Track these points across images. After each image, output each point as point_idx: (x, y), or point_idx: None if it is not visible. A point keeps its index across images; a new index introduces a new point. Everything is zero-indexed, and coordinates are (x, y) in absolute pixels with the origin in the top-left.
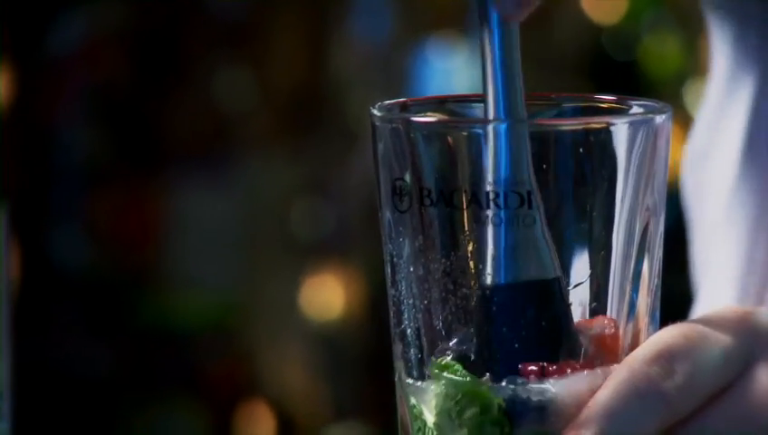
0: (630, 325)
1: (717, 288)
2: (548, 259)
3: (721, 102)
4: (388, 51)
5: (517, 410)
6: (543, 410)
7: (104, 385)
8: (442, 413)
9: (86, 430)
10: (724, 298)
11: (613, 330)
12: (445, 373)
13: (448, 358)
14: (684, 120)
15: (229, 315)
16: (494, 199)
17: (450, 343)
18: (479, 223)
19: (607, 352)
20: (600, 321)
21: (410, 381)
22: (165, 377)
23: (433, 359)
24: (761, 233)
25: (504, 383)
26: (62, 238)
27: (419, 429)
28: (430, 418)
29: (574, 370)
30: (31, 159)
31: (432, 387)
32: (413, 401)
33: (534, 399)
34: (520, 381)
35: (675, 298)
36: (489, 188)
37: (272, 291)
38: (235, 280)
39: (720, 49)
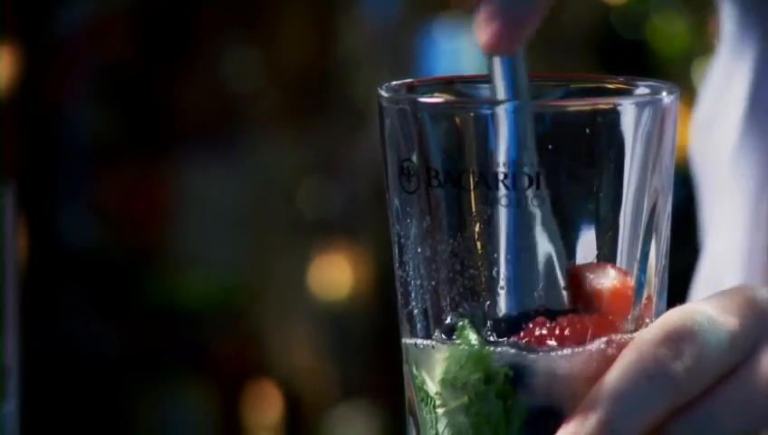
0: (638, 306)
1: (724, 243)
2: (556, 239)
3: (727, 67)
4: (396, 31)
5: (524, 383)
6: (550, 384)
7: (111, 364)
8: (445, 380)
9: (93, 409)
10: (731, 252)
11: (616, 281)
12: (460, 335)
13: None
14: (692, 100)
15: (237, 295)
16: (503, 180)
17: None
18: (487, 204)
19: (612, 305)
20: (602, 268)
21: (415, 357)
22: (172, 356)
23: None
24: (766, 188)
25: (511, 351)
26: (69, 218)
27: (422, 399)
28: (432, 387)
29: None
30: (38, 138)
31: (436, 354)
32: (415, 370)
33: (541, 371)
34: (527, 349)
35: (682, 279)
36: (497, 168)
37: (280, 270)
38: (243, 259)
39: (726, 13)
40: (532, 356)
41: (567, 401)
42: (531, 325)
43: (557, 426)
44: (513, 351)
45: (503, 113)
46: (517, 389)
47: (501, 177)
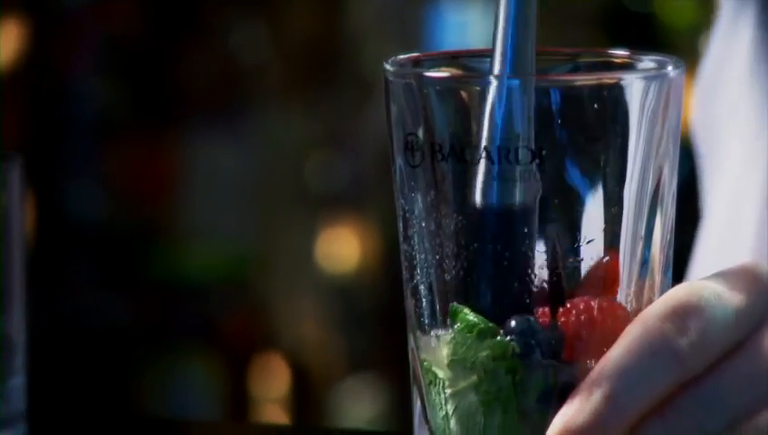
0: (643, 281)
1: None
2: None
3: (726, 38)
4: (404, 4)
5: (531, 358)
6: (558, 358)
7: (119, 337)
8: (453, 362)
9: (101, 382)
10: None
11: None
12: (457, 318)
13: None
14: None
15: (244, 267)
16: (506, 155)
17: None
18: (491, 178)
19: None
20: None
21: (421, 334)
22: (179, 329)
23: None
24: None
25: (517, 326)
26: (76, 191)
27: (431, 382)
28: (440, 372)
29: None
30: (45, 111)
31: (443, 336)
32: (423, 354)
33: (548, 345)
34: (535, 326)
35: (688, 254)
36: (501, 143)
37: (287, 243)
38: (250, 232)
39: None
40: (539, 330)
41: (576, 375)
42: (537, 300)
43: (565, 400)
44: (519, 326)
45: (507, 88)
46: (525, 364)
47: (505, 151)
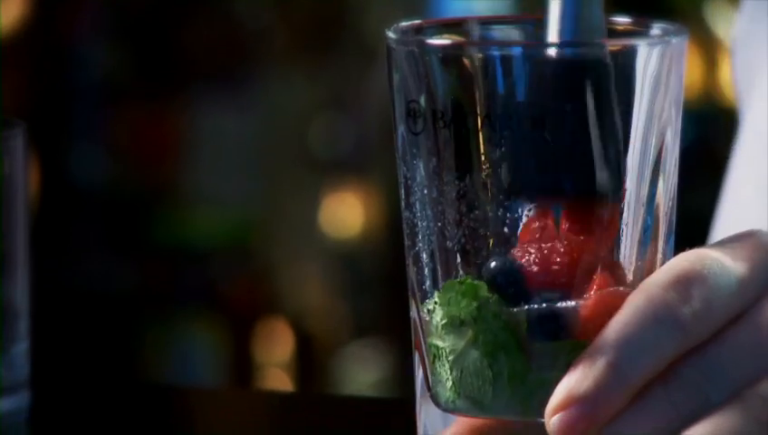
0: (645, 248)
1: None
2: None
3: None
4: None
5: (515, 293)
6: (557, 320)
7: (122, 303)
8: (447, 325)
9: (104, 348)
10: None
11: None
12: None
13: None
14: (706, 41)
15: (248, 233)
16: (508, 122)
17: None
18: (492, 145)
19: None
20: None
21: (422, 302)
22: (184, 294)
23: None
24: None
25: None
26: (80, 156)
27: (434, 356)
28: (440, 342)
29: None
30: (50, 76)
31: (434, 309)
32: (425, 337)
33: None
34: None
35: (691, 221)
36: (502, 110)
37: (291, 208)
38: (255, 197)
39: None
40: (517, 269)
41: (562, 298)
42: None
43: (560, 323)
44: (496, 266)
45: (509, 56)
46: (511, 301)
47: (507, 118)
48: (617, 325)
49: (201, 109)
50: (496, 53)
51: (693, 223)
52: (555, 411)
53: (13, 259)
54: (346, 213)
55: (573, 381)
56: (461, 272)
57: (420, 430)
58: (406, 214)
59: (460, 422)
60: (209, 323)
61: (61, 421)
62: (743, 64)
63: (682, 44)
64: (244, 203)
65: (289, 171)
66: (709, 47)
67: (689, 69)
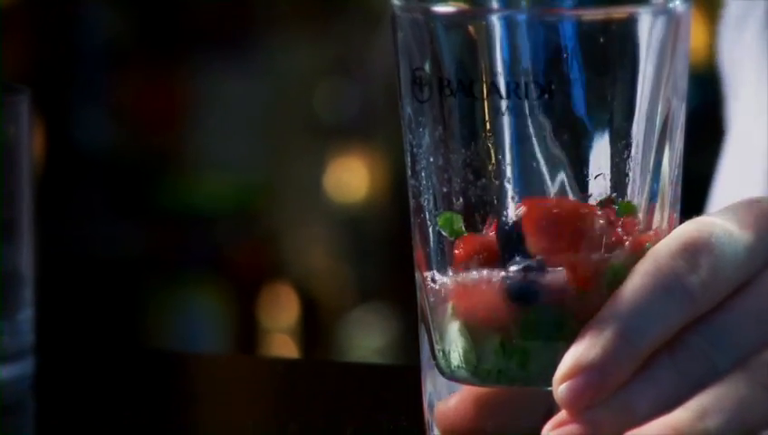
0: (651, 216)
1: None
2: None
3: None
4: None
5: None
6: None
7: (128, 267)
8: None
9: (110, 312)
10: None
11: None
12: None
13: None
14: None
15: (253, 197)
16: (515, 90)
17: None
18: (498, 113)
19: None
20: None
21: (428, 272)
22: (188, 259)
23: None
24: None
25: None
26: (85, 120)
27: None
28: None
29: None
30: (54, 40)
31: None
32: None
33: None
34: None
35: (699, 188)
36: (509, 78)
37: (296, 173)
38: (259, 162)
39: None
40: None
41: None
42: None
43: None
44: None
45: (515, 22)
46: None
47: (513, 86)
48: (625, 294)
49: (206, 73)
50: (501, 19)
51: (698, 188)
52: (563, 380)
53: (17, 225)
54: (351, 178)
55: (581, 350)
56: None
57: (425, 398)
58: (411, 182)
59: (465, 390)
60: (214, 289)
61: (65, 388)
62: (732, 49)
63: (687, 12)
64: (249, 168)
65: (294, 136)
66: (714, 11)
67: (694, 33)
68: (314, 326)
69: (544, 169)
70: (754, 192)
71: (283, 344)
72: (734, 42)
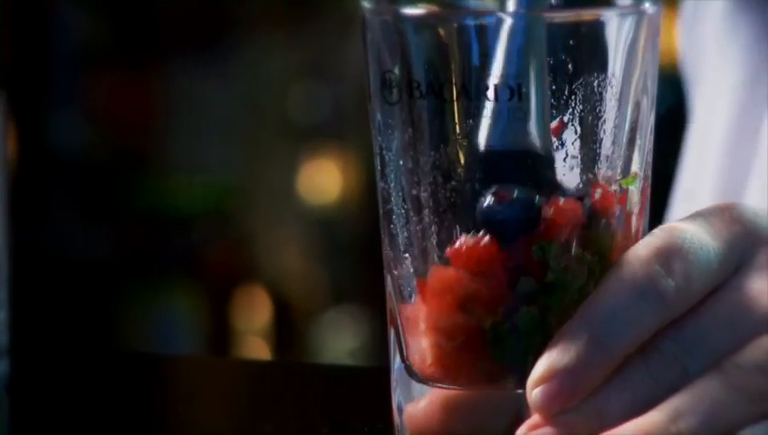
0: (621, 221)
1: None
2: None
3: None
4: None
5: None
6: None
7: (101, 268)
8: None
9: (84, 314)
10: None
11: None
12: None
13: None
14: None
15: (226, 199)
16: (484, 92)
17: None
18: (468, 116)
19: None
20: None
21: (397, 275)
22: (162, 261)
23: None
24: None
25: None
26: (59, 121)
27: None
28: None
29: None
30: (29, 41)
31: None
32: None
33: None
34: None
35: (667, 187)
36: (478, 80)
37: (269, 175)
38: (233, 164)
39: None
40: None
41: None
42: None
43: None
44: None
45: (486, 25)
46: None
47: (483, 89)
48: (599, 298)
49: (180, 76)
50: (471, 22)
51: (668, 189)
52: (536, 384)
53: None
54: (324, 180)
55: (555, 355)
56: (434, 244)
57: (395, 401)
58: (381, 184)
59: (434, 393)
60: (188, 291)
61: (40, 389)
62: (690, 46)
63: (657, 14)
64: (223, 170)
65: (267, 138)
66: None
67: (665, 34)
68: (287, 328)
69: (513, 170)
70: (711, 181)
71: (256, 346)
72: (694, 36)
